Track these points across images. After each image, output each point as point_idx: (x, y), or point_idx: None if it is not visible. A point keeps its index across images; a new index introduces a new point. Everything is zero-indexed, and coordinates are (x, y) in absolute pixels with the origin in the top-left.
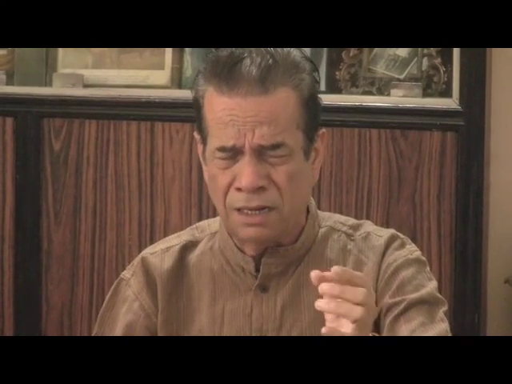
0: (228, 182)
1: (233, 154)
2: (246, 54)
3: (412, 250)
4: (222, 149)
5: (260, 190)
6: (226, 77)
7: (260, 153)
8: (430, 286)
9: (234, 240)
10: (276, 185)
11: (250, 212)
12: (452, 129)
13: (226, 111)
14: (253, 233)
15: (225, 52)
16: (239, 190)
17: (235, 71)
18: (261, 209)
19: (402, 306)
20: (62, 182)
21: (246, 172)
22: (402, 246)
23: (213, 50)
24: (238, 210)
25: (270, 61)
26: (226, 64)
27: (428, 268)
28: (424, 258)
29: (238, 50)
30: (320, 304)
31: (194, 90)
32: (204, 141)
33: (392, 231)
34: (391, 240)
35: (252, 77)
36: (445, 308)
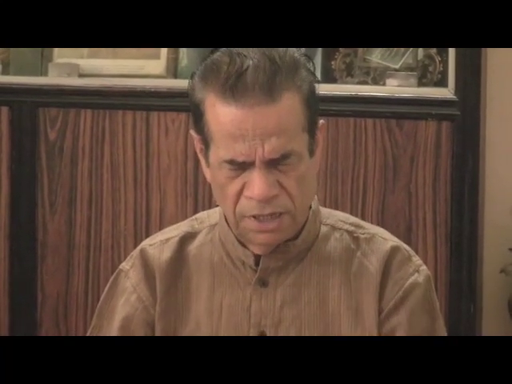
0: (238, 190)
1: (242, 166)
2: (248, 63)
3: (418, 265)
4: (231, 162)
5: (272, 198)
6: (231, 87)
7: (270, 164)
8: (438, 321)
9: (235, 233)
10: (286, 191)
11: (263, 218)
12: (447, 118)
13: (234, 123)
14: (266, 238)
15: (224, 58)
16: (250, 198)
17: (240, 81)
18: (273, 214)
19: None
20: (57, 172)
21: (257, 182)
22: (409, 259)
23: (210, 51)
24: (251, 217)
25: (273, 67)
26: (230, 73)
27: (433, 286)
28: (429, 274)
29: (237, 58)
30: None
31: (190, 92)
32: (206, 143)
33: (398, 242)
34: (396, 251)
35: (258, 86)
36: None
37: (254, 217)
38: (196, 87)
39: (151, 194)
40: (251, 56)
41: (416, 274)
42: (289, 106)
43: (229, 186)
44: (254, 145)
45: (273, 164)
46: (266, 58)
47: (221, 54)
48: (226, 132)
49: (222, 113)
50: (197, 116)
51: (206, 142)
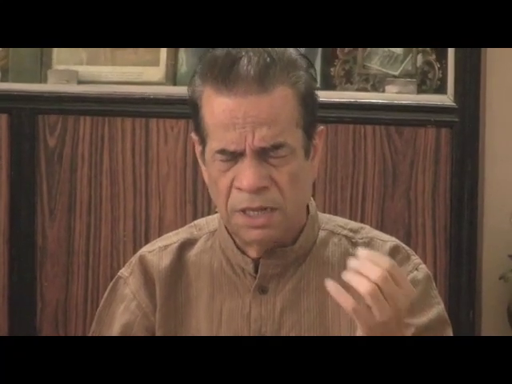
0: (229, 183)
1: (233, 156)
2: (243, 53)
3: (417, 264)
4: (222, 152)
5: (262, 190)
6: (224, 77)
7: (261, 154)
8: (437, 307)
9: (235, 240)
10: (278, 185)
11: (252, 213)
12: (446, 125)
13: (226, 112)
14: (257, 235)
15: (221, 52)
16: (240, 189)
17: (233, 71)
18: (263, 209)
19: (410, 331)
20: (56, 179)
21: (246, 172)
22: (408, 258)
23: (209, 49)
24: (241, 211)
25: (268, 59)
26: (224, 64)
27: (434, 283)
28: (429, 272)
29: (234, 50)
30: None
31: (190, 90)
32: (203, 142)
33: (396, 241)
34: (395, 251)
35: (251, 76)
36: (449, 331)
37: (244, 211)
38: (196, 84)
39: (150, 201)
40: (248, 50)
41: (415, 272)
42: (282, 98)
43: (221, 179)
44: (244, 132)
45: (264, 155)
46: (263, 52)
47: (219, 50)
48: (219, 123)
49: (215, 103)
50: (195, 112)
51: (203, 140)
